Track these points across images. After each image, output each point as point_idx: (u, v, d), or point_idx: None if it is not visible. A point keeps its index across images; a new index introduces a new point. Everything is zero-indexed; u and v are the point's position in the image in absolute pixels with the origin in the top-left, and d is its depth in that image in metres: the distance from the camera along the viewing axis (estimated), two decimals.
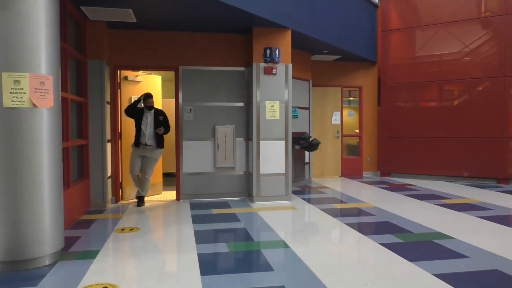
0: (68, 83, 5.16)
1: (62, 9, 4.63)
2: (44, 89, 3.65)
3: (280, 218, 5.56)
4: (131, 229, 4.95)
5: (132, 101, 6.48)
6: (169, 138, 7.10)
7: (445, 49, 9.04)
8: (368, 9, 9.55)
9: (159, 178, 7.24)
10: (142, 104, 6.29)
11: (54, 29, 3.78)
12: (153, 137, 6.26)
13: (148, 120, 6.25)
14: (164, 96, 8.28)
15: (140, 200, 6.34)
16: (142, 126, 6.23)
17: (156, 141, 6.29)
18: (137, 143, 6.26)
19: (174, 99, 6.87)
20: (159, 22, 6.18)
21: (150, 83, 7.12)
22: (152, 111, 6.31)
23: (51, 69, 3.73)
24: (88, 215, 5.74)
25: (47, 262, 3.72)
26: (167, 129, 6.35)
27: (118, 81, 6.67)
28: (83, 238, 4.59)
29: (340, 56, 9.13)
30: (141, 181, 6.36)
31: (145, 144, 6.23)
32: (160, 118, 6.29)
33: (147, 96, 6.29)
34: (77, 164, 5.77)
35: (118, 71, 6.64)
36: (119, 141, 6.64)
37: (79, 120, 5.87)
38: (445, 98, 9.24)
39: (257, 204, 6.44)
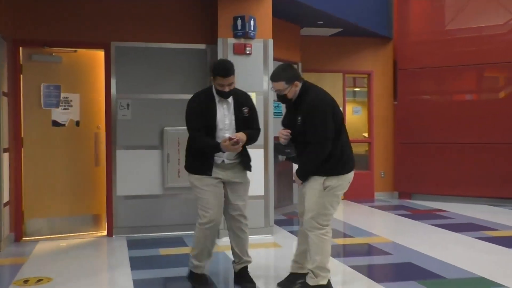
0: None
1: None
2: None
3: (258, 260, 5.48)
4: (39, 280, 4.78)
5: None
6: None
7: (487, 20, 9.23)
8: None
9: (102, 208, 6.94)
10: (215, 85, 4.42)
11: None
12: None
13: (227, 117, 4.51)
14: None
15: (246, 274, 4.66)
16: (218, 130, 4.44)
17: (242, 154, 4.54)
18: (207, 165, 4.43)
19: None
20: None
21: (82, 64, 6.83)
22: (231, 99, 4.54)
23: None
24: None
25: None
26: (255, 132, 4.62)
27: (20, 62, 6.50)
28: None
29: (340, 29, 9.19)
30: (236, 230, 4.61)
31: (223, 162, 4.51)
32: (245, 112, 4.51)
33: (223, 68, 4.35)
34: None
35: (20, 48, 6.48)
36: (21, 151, 6.47)
37: None
38: (487, 88, 9.42)
39: (224, 240, 6.33)
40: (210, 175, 4.37)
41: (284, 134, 4.20)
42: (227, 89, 4.35)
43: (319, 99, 4.10)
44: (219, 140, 4.29)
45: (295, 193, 8.83)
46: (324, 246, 4.09)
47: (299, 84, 4.15)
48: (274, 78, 4.16)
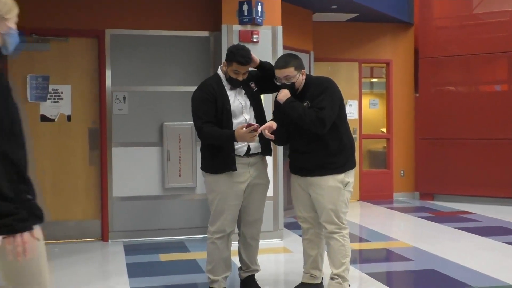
0: None
1: None
2: None
3: (266, 266, 5.48)
4: None
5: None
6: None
7: None
8: None
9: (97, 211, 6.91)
10: (229, 72, 4.35)
11: None
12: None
13: (241, 101, 4.42)
14: None
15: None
16: (235, 118, 4.36)
17: (265, 141, 4.38)
18: (230, 160, 4.26)
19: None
20: None
21: (71, 53, 6.80)
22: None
23: None
24: None
25: None
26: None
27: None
28: None
29: (356, 14, 9.19)
30: (248, 238, 4.61)
31: (249, 154, 4.37)
32: (253, 87, 4.49)
33: (241, 56, 4.28)
34: None
35: None
36: None
37: None
38: None
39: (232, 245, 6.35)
40: (235, 169, 4.22)
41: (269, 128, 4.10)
42: (241, 78, 4.31)
43: (329, 81, 4.36)
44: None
45: None
46: (349, 246, 4.29)
47: (305, 73, 4.30)
48: (283, 64, 4.20)
